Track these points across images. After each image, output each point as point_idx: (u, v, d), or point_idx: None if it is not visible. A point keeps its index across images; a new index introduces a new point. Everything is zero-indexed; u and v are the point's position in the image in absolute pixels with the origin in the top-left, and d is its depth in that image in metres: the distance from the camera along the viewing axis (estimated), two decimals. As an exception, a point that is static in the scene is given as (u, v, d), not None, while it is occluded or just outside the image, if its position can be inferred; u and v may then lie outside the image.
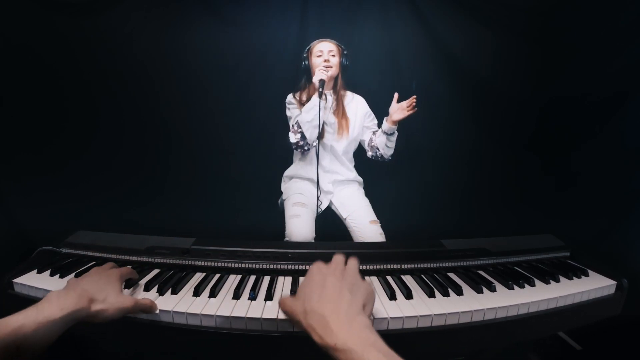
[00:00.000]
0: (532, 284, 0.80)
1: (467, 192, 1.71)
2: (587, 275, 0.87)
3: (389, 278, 0.81)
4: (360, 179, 1.52)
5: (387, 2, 1.61)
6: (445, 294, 0.74)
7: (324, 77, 1.28)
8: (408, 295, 0.73)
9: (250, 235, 1.52)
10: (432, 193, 1.74)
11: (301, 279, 0.81)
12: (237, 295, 0.73)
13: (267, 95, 1.68)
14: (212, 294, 0.73)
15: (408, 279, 0.82)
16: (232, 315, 0.66)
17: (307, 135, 1.30)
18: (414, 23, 1.62)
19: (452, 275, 0.84)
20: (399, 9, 1.61)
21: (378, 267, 0.85)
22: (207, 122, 1.72)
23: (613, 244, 1.16)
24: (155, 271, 0.84)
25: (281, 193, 1.51)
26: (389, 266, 0.85)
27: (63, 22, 1.45)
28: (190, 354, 0.72)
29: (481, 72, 1.62)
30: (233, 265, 0.85)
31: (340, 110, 1.42)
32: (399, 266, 0.86)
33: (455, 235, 0.99)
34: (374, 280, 0.82)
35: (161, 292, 0.73)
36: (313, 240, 1.23)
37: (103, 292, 0.63)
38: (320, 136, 1.34)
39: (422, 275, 0.83)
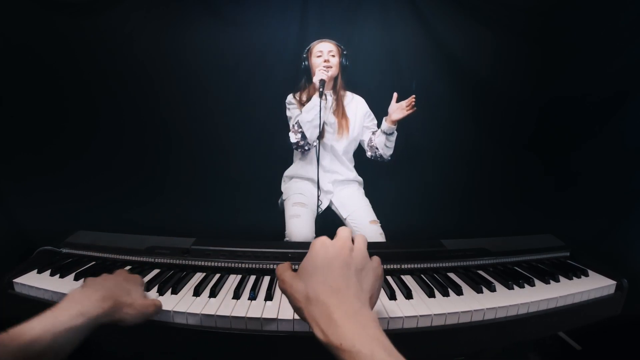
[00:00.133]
0: (532, 284, 0.80)
1: (467, 192, 1.71)
2: (587, 275, 0.87)
3: (389, 278, 0.82)
4: (360, 179, 1.52)
5: (387, 2, 1.61)
6: (445, 294, 0.74)
7: (325, 77, 1.29)
8: (408, 295, 0.73)
9: (250, 235, 1.52)
10: (432, 193, 1.74)
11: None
12: (237, 295, 0.73)
13: (267, 95, 1.67)
14: (212, 294, 0.73)
15: (408, 279, 0.82)
16: (232, 315, 0.66)
17: (307, 135, 1.30)
18: (414, 23, 1.62)
19: (452, 275, 0.84)
20: (399, 9, 1.61)
21: (378, 267, 0.85)
22: (207, 122, 1.71)
23: (613, 244, 1.16)
24: (155, 271, 0.84)
25: (281, 193, 1.51)
26: (389, 266, 0.85)
27: (63, 22, 1.45)
28: (190, 354, 0.72)
29: (481, 72, 1.62)
30: (233, 265, 0.85)
31: (340, 110, 1.42)
32: (399, 266, 0.86)
33: (455, 235, 0.99)
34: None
35: (161, 292, 0.73)
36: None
37: (130, 294, 0.59)
38: (321, 136, 1.34)
39: (422, 275, 0.83)
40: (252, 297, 0.72)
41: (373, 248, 1.00)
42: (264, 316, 0.66)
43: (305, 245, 1.19)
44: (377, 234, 1.27)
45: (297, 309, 0.46)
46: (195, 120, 1.70)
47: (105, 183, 1.57)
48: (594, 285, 0.82)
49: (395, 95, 1.34)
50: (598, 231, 1.21)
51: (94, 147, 1.58)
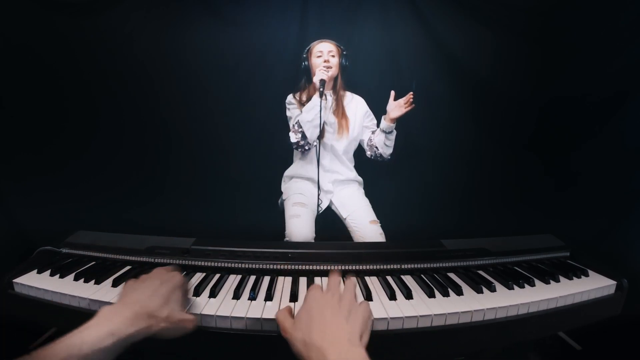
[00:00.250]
0: (532, 284, 0.80)
1: (467, 192, 1.71)
2: (587, 275, 0.87)
3: (389, 278, 0.81)
4: (360, 179, 1.52)
5: (387, 2, 1.61)
6: (445, 294, 0.74)
7: (325, 77, 1.29)
8: (408, 295, 0.73)
9: (250, 235, 1.52)
10: (432, 193, 1.74)
11: (301, 279, 0.81)
12: (237, 295, 0.73)
13: (267, 95, 1.68)
14: (212, 294, 0.73)
15: (408, 279, 0.82)
16: (232, 315, 0.66)
17: (307, 134, 1.30)
18: (414, 23, 1.62)
19: (452, 275, 0.84)
20: (399, 9, 1.61)
21: (378, 267, 0.85)
22: (207, 122, 1.72)
23: (613, 244, 1.16)
24: (155, 271, 0.84)
25: (281, 193, 1.51)
26: (389, 266, 0.85)
27: (63, 22, 1.45)
28: (190, 354, 0.72)
29: (481, 72, 1.62)
30: (233, 265, 0.85)
31: (340, 110, 1.42)
32: (399, 266, 0.86)
33: (455, 235, 0.99)
34: (374, 280, 0.82)
35: (161, 292, 0.73)
36: (313, 240, 1.23)
37: (166, 306, 0.56)
38: (321, 136, 1.35)
39: (422, 275, 0.83)
40: (252, 297, 0.72)
41: (373, 248, 1.01)
42: (264, 316, 0.66)
43: (305, 245, 1.19)
44: (377, 234, 1.27)
45: (297, 353, 0.52)
46: (195, 120, 1.70)
47: (105, 183, 1.57)
48: (594, 285, 0.82)
49: (392, 93, 1.34)
50: (598, 231, 1.21)
51: (94, 147, 1.58)
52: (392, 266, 0.86)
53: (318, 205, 1.35)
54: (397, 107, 1.32)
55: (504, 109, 1.63)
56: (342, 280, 0.64)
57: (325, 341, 0.49)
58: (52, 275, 0.80)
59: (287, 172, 1.53)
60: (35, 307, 0.76)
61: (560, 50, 1.45)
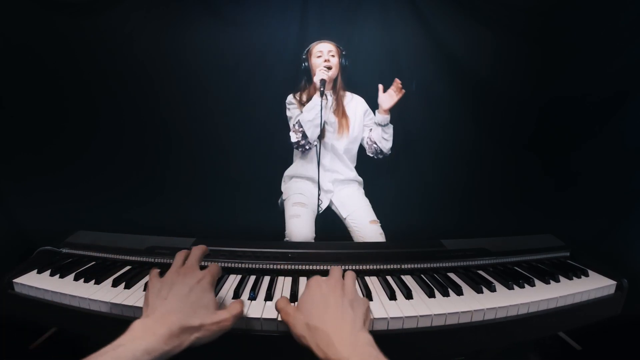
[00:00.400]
0: (532, 284, 0.80)
1: (467, 192, 1.71)
2: (587, 275, 0.87)
3: (389, 278, 0.82)
4: (360, 178, 1.52)
5: (387, 2, 1.61)
6: (445, 294, 0.74)
7: (325, 77, 1.29)
8: (408, 295, 0.73)
9: (250, 235, 1.52)
10: (432, 193, 1.74)
11: (301, 279, 0.81)
12: (237, 295, 0.73)
13: (267, 95, 1.67)
14: (212, 294, 0.73)
15: (408, 279, 0.82)
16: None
17: (308, 134, 1.30)
18: (414, 23, 1.61)
19: (452, 275, 0.84)
20: (399, 9, 1.61)
21: (378, 267, 0.85)
22: (207, 122, 1.71)
23: (613, 244, 1.16)
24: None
25: (281, 193, 1.51)
26: (389, 266, 0.85)
27: (63, 22, 1.45)
28: (190, 354, 0.72)
29: (481, 72, 1.62)
30: (233, 265, 0.85)
31: (340, 110, 1.43)
32: (399, 266, 0.86)
33: (455, 235, 0.99)
34: (374, 280, 0.82)
35: (161, 292, 0.73)
36: (313, 240, 1.23)
37: (197, 315, 0.52)
38: (321, 135, 1.35)
39: (422, 275, 0.83)
40: (252, 297, 0.72)
41: (373, 248, 1.01)
42: (264, 316, 0.66)
43: (305, 245, 1.19)
44: (377, 234, 1.27)
45: (299, 336, 0.52)
46: (195, 120, 1.70)
47: (105, 183, 1.57)
48: (594, 285, 0.82)
49: (380, 86, 1.36)
50: (598, 231, 1.20)
51: (94, 147, 1.58)
52: (392, 266, 0.86)
53: (318, 205, 1.35)
54: (387, 96, 1.33)
55: (504, 109, 1.62)
56: (342, 275, 0.66)
57: (331, 325, 0.49)
58: (52, 275, 0.80)
59: (287, 172, 1.53)
60: (35, 307, 0.76)
61: (560, 50, 1.45)
